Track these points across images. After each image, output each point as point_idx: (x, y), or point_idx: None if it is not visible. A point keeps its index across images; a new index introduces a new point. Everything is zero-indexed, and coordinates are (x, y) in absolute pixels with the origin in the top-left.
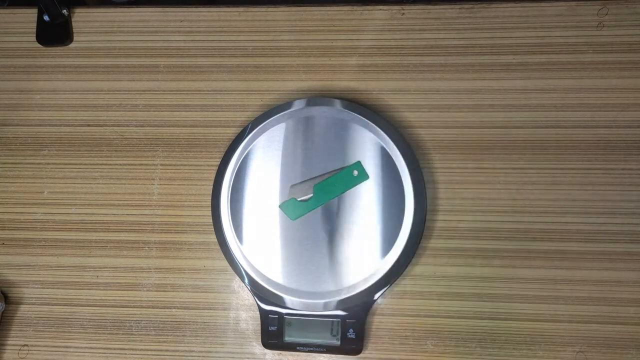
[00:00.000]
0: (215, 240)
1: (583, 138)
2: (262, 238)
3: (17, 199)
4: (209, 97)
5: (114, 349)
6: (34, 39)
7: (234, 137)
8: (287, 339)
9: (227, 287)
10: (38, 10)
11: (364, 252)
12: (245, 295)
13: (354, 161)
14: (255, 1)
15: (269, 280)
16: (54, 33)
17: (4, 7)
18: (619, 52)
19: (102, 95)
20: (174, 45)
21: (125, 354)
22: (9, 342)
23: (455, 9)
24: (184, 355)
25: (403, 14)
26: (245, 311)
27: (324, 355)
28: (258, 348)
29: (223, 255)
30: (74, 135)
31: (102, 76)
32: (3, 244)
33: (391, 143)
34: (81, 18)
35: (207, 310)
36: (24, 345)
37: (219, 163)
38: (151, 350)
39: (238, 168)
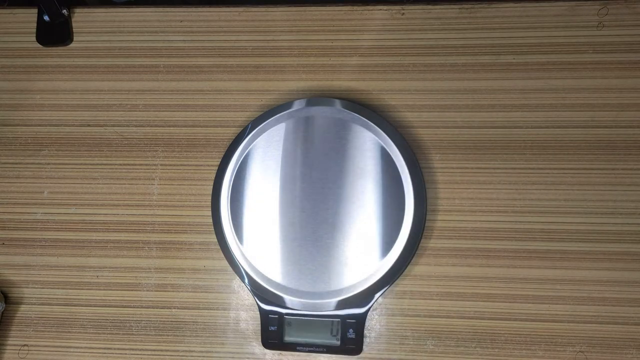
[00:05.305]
0: (215, 240)
1: (583, 138)
2: (262, 238)
3: (17, 199)
4: (209, 97)
5: (114, 349)
6: (34, 39)
7: (234, 137)
8: (287, 339)
9: (227, 287)
10: (38, 10)
11: (364, 252)
12: (245, 295)
13: (353, 161)
14: (255, 1)
15: (269, 280)
16: (54, 33)
17: (4, 7)
18: (619, 52)
19: (102, 95)
20: (174, 45)
21: (125, 354)
22: (9, 342)
23: (455, 9)
24: (184, 356)
25: (403, 14)
26: (245, 311)
27: (324, 355)
28: (258, 348)
29: (223, 255)
30: (74, 135)
31: (102, 76)
32: (3, 244)
33: (391, 143)
34: (81, 18)
35: (207, 310)
36: (24, 345)
37: (219, 163)
38: (151, 350)
39: (238, 168)
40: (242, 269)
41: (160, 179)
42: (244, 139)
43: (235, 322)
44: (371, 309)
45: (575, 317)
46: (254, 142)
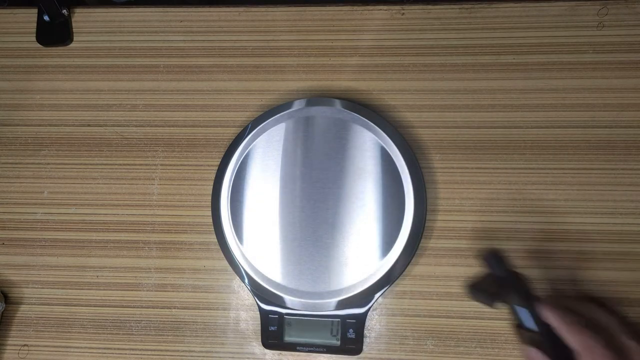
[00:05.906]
0: (215, 240)
1: (583, 138)
2: (262, 238)
3: (17, 199)
4: (209, 97)
5: (114, 349)
6: (34, 39)
7: (234, 137)
8: (287, 339)
9: (227, 287)
10: (38, 10)
11: (364, 252)
12: (245, 295)
13: (353, 161)
14: (255, 1)
15: (269, 280)
16: (54, 33)
17: (4, 7)
18: (619, 52)
19: (102, 95)
20: (174, 45)
21: (125, 354)
22: (9, 342)
23: (455, 9)
24: (184, 356)
25: (403, 14)
26: (245, 311)
27: (324, 355)
28: (258, 348)
29: (223, 255)
30: (74, 135)
31: (102, 76)
32: (3, 244)
33: (391, 143)
34: (81, 18)
35: (207, 310)
36: (24, 345)
37: (219, 163)
38: (151, 350)
39: (238, 168)
40: (242, 269)
41: (160, 179)
42: (244, 139)
43: (235, 322)
44: (371, 309)
45: None
46: (254, 142)
